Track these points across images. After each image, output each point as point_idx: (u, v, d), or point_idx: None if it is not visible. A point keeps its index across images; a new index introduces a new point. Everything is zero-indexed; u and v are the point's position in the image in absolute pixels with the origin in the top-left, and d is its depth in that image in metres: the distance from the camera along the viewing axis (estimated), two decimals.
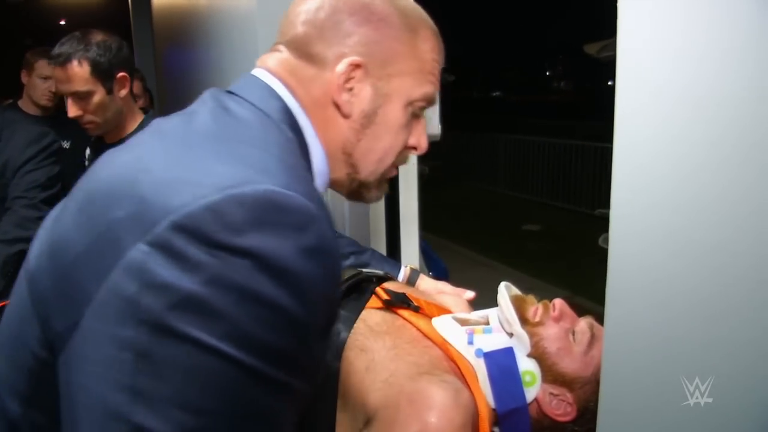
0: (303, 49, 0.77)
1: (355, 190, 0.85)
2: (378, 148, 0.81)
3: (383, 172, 0.84)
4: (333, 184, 0.84)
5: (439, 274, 2.30)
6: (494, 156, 9.91)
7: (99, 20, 3.89)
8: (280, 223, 0.56)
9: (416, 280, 1.40)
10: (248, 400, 0.56)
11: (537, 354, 1.05)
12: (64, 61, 1.69)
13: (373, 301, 1.14)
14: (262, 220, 0.55)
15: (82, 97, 1.71)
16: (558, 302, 1.11)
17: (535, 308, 1.12)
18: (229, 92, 0.74)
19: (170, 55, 2.94)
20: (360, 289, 1.18)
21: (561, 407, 1.04)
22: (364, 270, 1.25)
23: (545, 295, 1.17)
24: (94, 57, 1.71)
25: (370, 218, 1.64)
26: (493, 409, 1.03)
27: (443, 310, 1.22)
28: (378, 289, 1.16)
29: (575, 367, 1.04)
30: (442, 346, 1.07)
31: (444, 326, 1.12)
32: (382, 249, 1.70)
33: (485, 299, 1.29)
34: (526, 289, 1.21)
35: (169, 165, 0.60)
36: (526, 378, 1.04)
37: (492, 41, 23.53)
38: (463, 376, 1.02)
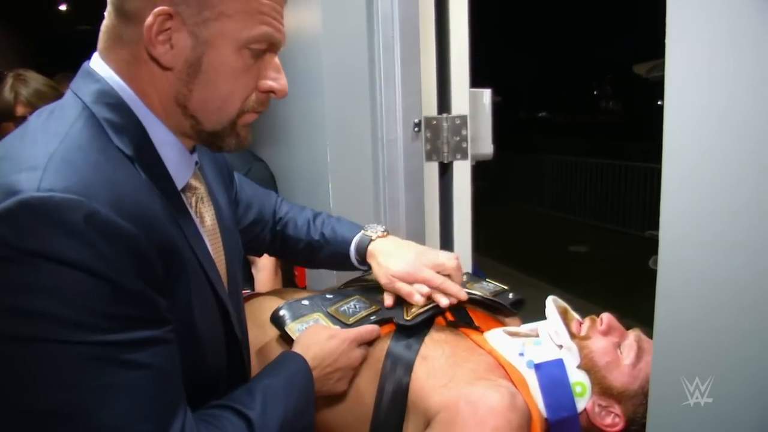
0: (120, 9, 0.76)
1: (207, 141, 0.85)
2: (215, 96, 0.79)
3: (232, 120, 0.83)
4: (186, 140, 0.85)
5: None
6: (541, 176, 9.84)
7: None
8: (42, 226, 0.63)
9: (367, 245, 1.23)
10: (107, 369, 0.66)
11: (587, 366, 1.09)
12: None
13: (439, 319, 1.20)
14: (26, 231, 0.63)
15: None
16: (606, 316, 1.14)
17: (577, 321, 1.16)
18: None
19: None
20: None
21: (609, 418, 1.07)
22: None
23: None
24: None
25: (426, 238, 1.70)
26: (545, 418, 1.07)
27: (497, 323, 1.28)
28: (447, 314, 1.21)
29: (623, 380, 1.07)
30: (493, 354, 1.13)
31: (496, 338, 1.17)
32: None
33: (532, 320, 1.31)
34: (572, 309, 1.23)
35: None
36: (577, 389, 1.08)
37: (539, 61, 23.44)
38: (514, 384, 1.06)
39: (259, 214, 1.30)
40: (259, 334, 1.22)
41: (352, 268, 1.29)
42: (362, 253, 1.24)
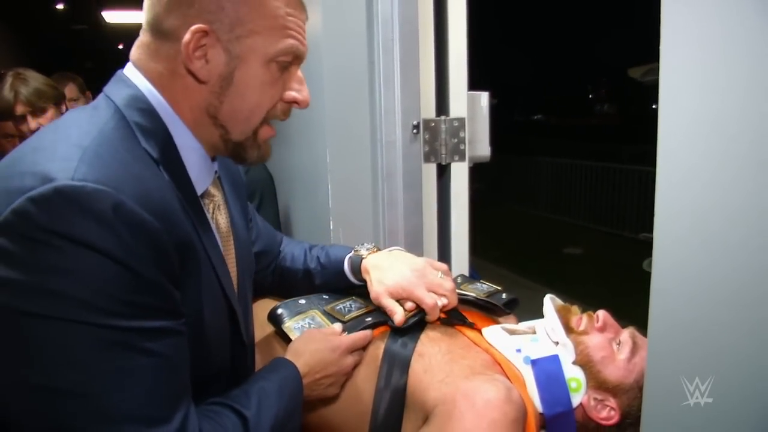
0: (157, 28, 0.81)
1: (233, 151, 0.90)
2: (244, 107, 0.85)
3: (255, 131, 0.88)
4: (211, 150, 0.90)
5: None
6: (536, 179, 9.86)
7: None
8: (73, 212, 0.66)
9: (359, 263, 1.27)
10: (124, 350, 0.69)
11: (582, 361, 1.12)
12: None
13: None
14: (58, 215, 0.66)
15: None
16: (602, 313, 1.18)
17: (578, 317, 1.19)
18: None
19: None
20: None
21: (605, 411, 1.10)
22: None
23: None
24: None
25: (424, 239, 1.72)
26: (540, 414, 1.09)
27: (492, 322, 1.30)
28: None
29: (619, 374, 1.10)
30: (489, 352, 1.15)
31: (494, 335, 1.19)
32: None
33: (527, 320, 1.33)
34: None
35: (13, 160, 0.74)
36: (572, 384, 1.10)
37: (533, 64, 23.49)
38: (510, 380, 1.08)
39: (268, 246, 1.33)
40: (260, 333, 1.24)
41: (350, 285, 1.30)
42: (357, 271, 1.27)
